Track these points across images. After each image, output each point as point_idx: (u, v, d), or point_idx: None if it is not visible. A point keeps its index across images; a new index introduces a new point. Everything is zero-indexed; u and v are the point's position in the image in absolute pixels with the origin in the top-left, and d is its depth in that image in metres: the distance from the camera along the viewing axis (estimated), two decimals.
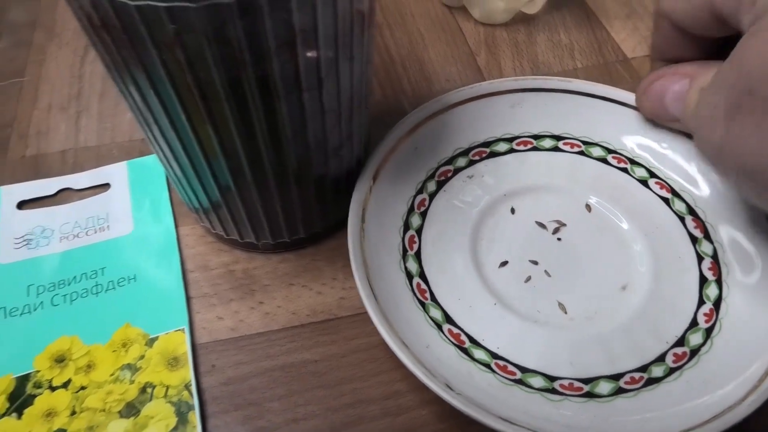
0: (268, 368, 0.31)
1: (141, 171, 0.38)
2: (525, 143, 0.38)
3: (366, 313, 0.31)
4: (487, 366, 0.29)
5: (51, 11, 0.49)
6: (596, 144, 0.37)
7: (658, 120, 0.35)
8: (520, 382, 0.28)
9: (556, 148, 0.38)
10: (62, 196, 0.37)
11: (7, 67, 0.45)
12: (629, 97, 0.36)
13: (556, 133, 0.38)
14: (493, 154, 0.38)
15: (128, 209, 0.36)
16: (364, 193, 0.33)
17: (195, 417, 0.29)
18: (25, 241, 0.35)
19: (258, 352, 0.31)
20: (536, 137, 0.38)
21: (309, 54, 0.24)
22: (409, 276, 0.32)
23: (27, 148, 0.40)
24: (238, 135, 0.26)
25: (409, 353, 0.27)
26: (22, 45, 0.46)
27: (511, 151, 0.38)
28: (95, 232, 0.35)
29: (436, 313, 0.31)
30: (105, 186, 0.38)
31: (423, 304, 0.31)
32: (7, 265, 0.34)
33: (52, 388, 0.30)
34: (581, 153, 0.37)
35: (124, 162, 0.39)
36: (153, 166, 0.38)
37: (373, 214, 0.33)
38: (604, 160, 0.37)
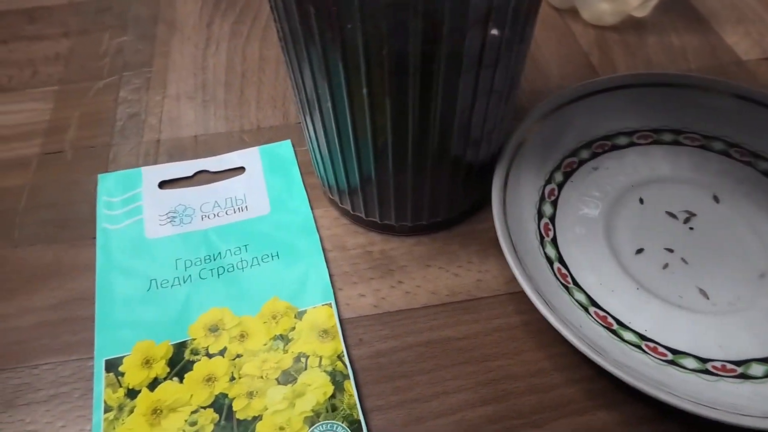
0: (414, 343, 0.31)
1: (272, 156, 0.40)
2: (645, 137, 0.39)
3: (504, 295, 0.32)
4: (638, 347, 0.29)
5: (171, 7, 0.51)
6: (717, 138, 0.38)
7: None
8: (673, 363, 0.29)
9: (676, 142, 0.38)
10: (199, 177, 0.39)
11: (134, 58, 0.47)
12: (748, 92, 0.37)
13: (676, 127, 0.39)
14: (615, 147, 0.38)
15: (264, 191, 0.38)
16: (503, 179, 0.33)
17: (351, 386, 0.30)
18: (169, 218, 0.36)
19: (402, 328, 0.32)
20: (656, 131, 0.39)
21: (494, 32, 0.25)
22: (549, 261, 0.32)
23: (161, 132, 0.41)
24: (413, 111, 0.27)
25: (569, 329, 0.28)
26: (146, 38, 0.48)
27: (632, 144, 0.39)
28: (234, 212, 0.37)
29: (581, 297, 0.31)
30: (240, 170, 0.39)
31: (567, 288, 0.31)
32: (154, 240, 0.35)
33: (210, 356, 0.31)
34: (702, 147, 0.38)
35: (256, 147, 0.40)
36: (284, 151, 0.40)
37: (512, 201, 0.34)
38: (726, 154, 0.37)
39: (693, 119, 0.39)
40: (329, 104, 0.28)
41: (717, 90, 0.38)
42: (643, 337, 0.30)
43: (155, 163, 0.39)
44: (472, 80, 0.26)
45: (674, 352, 0.29)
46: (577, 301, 0.31)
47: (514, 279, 0.33)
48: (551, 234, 0.34)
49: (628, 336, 0.30)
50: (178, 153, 0.40)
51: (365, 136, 0.29)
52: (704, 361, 0.29)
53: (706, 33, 0.47)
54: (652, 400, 0.28)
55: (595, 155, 0.38)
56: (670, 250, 0.33)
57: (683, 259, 0.33)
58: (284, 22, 0.26)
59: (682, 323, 0.30)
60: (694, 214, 0.35)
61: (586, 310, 0.31)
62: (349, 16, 0.23)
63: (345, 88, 0.26)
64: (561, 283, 0.31)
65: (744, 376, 0.28)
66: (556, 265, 0.32)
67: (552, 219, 0.35)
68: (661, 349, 0.29)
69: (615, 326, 0.30)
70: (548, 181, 0.36)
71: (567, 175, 0.37)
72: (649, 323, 0.30)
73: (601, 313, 0.31)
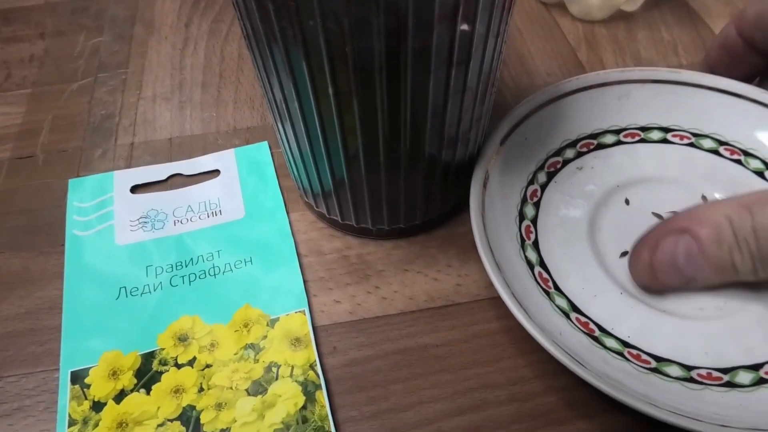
0: (389, 351, 0.30)
1: (248, 158, 0.39)
2: (632, 135, 0.38)
3: (484, 300, 0.31)
4: (620, 354, 0.28)
5: (149, 7, 0.50)
6: (706, 136, 0.37)
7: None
8: (656, 371, 0.28)
9: (664, 140, 0.37)
10: (173, 181, 0.38)
11: (110, 59, 0.46)
12: (739, 88, 0.36)
13: (664, 125, 0.38)
14: (601, 146, 0.37)
15: (239, 195, 0.37)
16: (481, 181, 0.32)
17: (323, 396, 0.28)
18: (140, 223, 0.35)
19: (378, 336, 0.31)
20: (644, 129, 0.38)
21: (464, 27, 0.24)
22: (530, 265, 0.31)
23: (135, 135, 0.40)
24: (382, 111, 0.26)
25: (546, 337, 0.26)
26: (123, 39, 0.47)
27: (619, 143, 0.37)
28: (208, 217, 0.36)
29: (562, 302, 0.30)
30: (214, 172, 0.38)
31: (547, 293, 0.30)
32: (125, 246, 0.34)
33: (178, 366, 0.30)
34: (691, 145, 0.37)
35: (232, 149, 0.39)
36: (260, 153, 0.39)
37: (491, 204, 0.32)
38: (715, 152, 0.36)
39: (682, 116, 0.38)
40: (296, 105, 0.27)
41: (706, 86, 0.37)
42: (625, 344, 0.29)
43: (129, 166, 0.38)
44: (443, 78, 0.25)
45: (658, 359, 0.28)
46: (558, 306, 0.30)
47: (492, 284, 0.32)
48: (533, 237, 0.33)
49: (610, 343, 0.29)
50: (152, 156, 0.39)
51: (335, 137, 0.27)
52: (689, 368, 0.28)
53: (697, 27, 0.46)
54: (629, 411, 0.27)
55: (580, 154, 0.37)
56: None
57: None
58: (246, 20, 0.25)
59: (668, 329, 0.29)
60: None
61: (567, 316, 0.29)
62: (308, 13, 0.22)
63: (311, 88, 0.25)
64: (542, 288, 0.30)
65: (730, 385, 0.27)
66: (537, 269, 0.31)
67: (534, 221, 0.33)
68: (644, 357, 0.28)
69: (597, 333, 0.29)
70: (531, 182, 0.35)
71: (550, 176, 0.35)
72: (632, 329, 0.29)
73: (583, 319, 0.29)
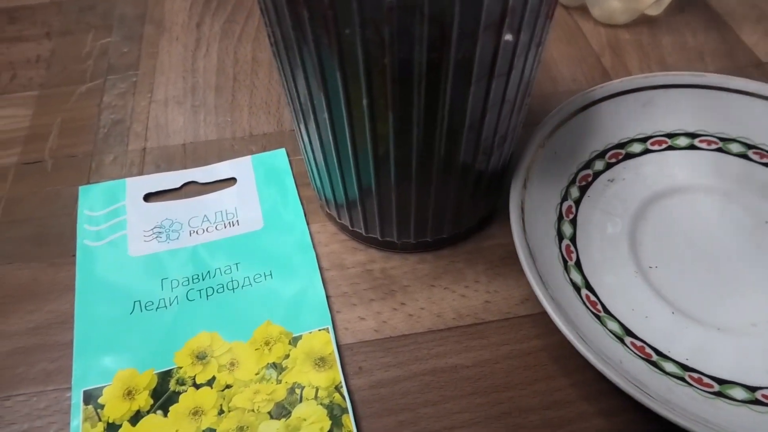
0: (418, 372, 0.29)
1: (266, 166, 0.37)
2: (660, 143, 0.36)
3: (514, 318, 0.30)
4: (681, 379, 0.27)
5: (159, 6, 0.48)
6: (734, 140, 0.36)
7: None
8: (720, 394, 0.26)
9: (692, 146, 0.36)
10: (188, 189, 0.36)
11: (120, 60, 0.44)
12: (765, 89, 0.35)
13: (690, 130, 0.37)
14: (629, 156, 0.36)
15: (256, 205, 0.35)
16: (519, 200, 0.31)
17: (350, 421, 0.27)
18: (154, 233, 0.34)
19: (406, 355, 0.30)
20: (670, 136, 0.37)
21: (508, 37, 0.22)
22: (576, 287, 0.30)
23: (147, 140, 0.39)
24: (418, 123, 0.24)
25: (612, 369, 0.25)
26: (132, 39, 0.46)
27: (647, 151, 0.36)
28: (225, 227, 0.34)
29: (614, 326, 0.29)
30: (231, 180, 0.37)
31: (598, 317, 0.29)
32: (139, 258, 0.33)
33: (197, 386, 0.28)
34: (719, 150, 0.36)
35: (248, 156, 0.38)
36: (278, 161, 0.37)
37: (531, 224, 0.31)
38: (744, 156, 0.35)
39: (707, 121, 0.37)
40: (325, 115, 0.25)
41: (731, 89, 0.36)
42: (685, 368, 0.27)
43: (141, 173, 0.37)
44: (483, 90, 0.24)
45: (720, 381, 0.27)
46: (611, 331, 0.28)
47: (524, 301, 0.31)
48: (574, 257, 0.31)
49: (670, 367, 0.27)
50: (165, 163, 0.38)
51: (365, 149, 0.26)
52: (753, 389, 0.27)
53: (723, 33, 0.44)
54: None
55: (609, 166, 0.36)
56: (703, 266, 0.31)
57: (717, 276, 0.31)
58: (275, 26, 0.24)
59: (725, 348, 0.28)
60: (719, 224, 0.33)
61: (622, 340, 0.28)
62: (347, 21, 0.21)
63: (343, 98, 0.24)
64: (591, 312, 0.29)
65: None
66: (584, 291, 0.30)
67: (573, 240, 0.32)
68: (705, 380, 0.27)
69: (654, 357, 0.28)
70: (564, 198, 0.34)
71: (583, 190, 0.34)
72: (689, 351, 0.28)
73: (638, 343, 0.28)
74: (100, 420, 0.27)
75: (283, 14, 0.22)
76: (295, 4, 0.21)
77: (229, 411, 0.28)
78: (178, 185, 0.36)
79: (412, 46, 0.21)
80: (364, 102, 0.24)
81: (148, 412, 0.28)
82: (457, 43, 0.21)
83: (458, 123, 0.25)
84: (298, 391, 0.28)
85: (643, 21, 0.45)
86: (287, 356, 0.29)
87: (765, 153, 0.35)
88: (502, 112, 0.26)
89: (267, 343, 0.30)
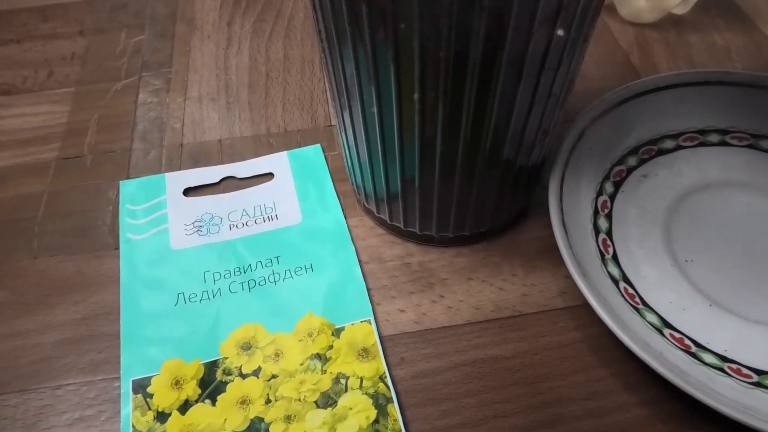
0: (459, 363, 0.30)
1: (302, 161, 0.38)
2: (691, 139, 0.37)
3: (551, 310, 0.30)
4: (721, 370, 0.27)
5: (189, 5, 0.49)
6: (765, 136, 0.36)
7: None
8: (759, 385, 0.27)
9: (724, 143, 0.37)
10: (226, 184, 0.37)
11: (153, 57, 0.45)
12: None
13: (722, 126, 0.37)
14: (662, 152, 0.37)
15: (294, 199, 0.36)
16: (558, 194, 0.32)
17: (395, 410, 0.28)
18: (195, 227, 0.35)
19: (446, 347, 0.30)
20: (702, 132, 0.37)
21: (560, 32, 0.23)
22: (614, 280, 0.31)
23: (183, 136, 0.40)
24: (467, 117, 0.25)
25: (648, 353, 0.26)
26: (164, 37, 0.46)
27: (679, 147, 0.37)
28: (264, 221, 0.35)
29: (653, 318, 0.29)
30: (268, 176, 0.37)
31: (637, 309, 0.29)
32: (181, 251, 0.34)
33: (243, 376, 0.29)
34: (751, 146, 0.36)
35: (285, 152, 0.38)
36: (314, 156, 0.38)
37: (569, 217, 0.32)
38: None
39: (738, 117, 0.37)
40: (374, 109, 0.26)
41: (762, 86, 0.36)
42: (724, 359, 0.28)
43: (179, 168, 0.38)
44: (533, 84, 0.24)
45: (758, 372, 0.27)
46: (650, 323, 0.29)
47: (561, 294, 0.32)
48: (611, 251, 0.32)
49: (709, 358, 0.28)
50: (202, 158, 0.38)
51: (412, 142, 0.27)
52: None
53: (750, 31, 0.45)
54: (729, 426, 0.27)
55: (642, 161, 0.36)
56: (738, 260, 0.32)
57: (752, 269, 0.31)
58: (329, 21, 0.24)
59: (762, 339, 0.29)
60: (753, 218, 0.33)
61: (661, 332, 0.29)
62: (405, 15, 0.21)
63: (395, 92, 0.24)
64: (630, 304, 0.30)
65: None
66: (622, 284, 0.30)
67: (609, 234, 0.33)
68: (744, 371, 0.27)
69: (693, 348, 0.28)
70: (599, 193, 0.34)
71: (617, 185, 0.35)
72: (727, 342, 0.28)
73: (677, 335, 0.29)
74: (149, 409, 0.28)
75: (339, 9, 0.23)
76: None
77: (276, 400, 0.28)
78: (216, 180, 0.37)
79: (468, 40, 0.22)
80: (416, 96, 0.24)
81: (196, 401, 0.28)
82: (512, 37, 0.22)
83: (506, 116, 0.25)
84: (342, 381, 0.29)
85: (670, 20, 0.46)
86: (330, 347, 0.30)
87: None
88: (548, 107, 0.26)
89: (310, 335, 0.30)
